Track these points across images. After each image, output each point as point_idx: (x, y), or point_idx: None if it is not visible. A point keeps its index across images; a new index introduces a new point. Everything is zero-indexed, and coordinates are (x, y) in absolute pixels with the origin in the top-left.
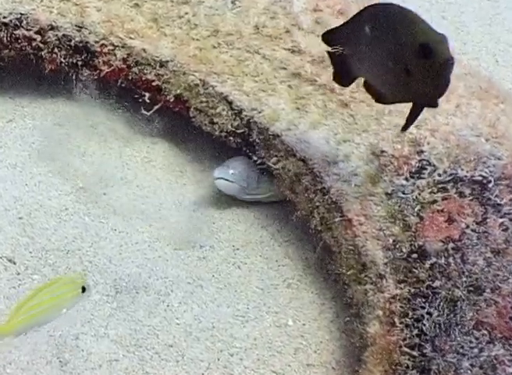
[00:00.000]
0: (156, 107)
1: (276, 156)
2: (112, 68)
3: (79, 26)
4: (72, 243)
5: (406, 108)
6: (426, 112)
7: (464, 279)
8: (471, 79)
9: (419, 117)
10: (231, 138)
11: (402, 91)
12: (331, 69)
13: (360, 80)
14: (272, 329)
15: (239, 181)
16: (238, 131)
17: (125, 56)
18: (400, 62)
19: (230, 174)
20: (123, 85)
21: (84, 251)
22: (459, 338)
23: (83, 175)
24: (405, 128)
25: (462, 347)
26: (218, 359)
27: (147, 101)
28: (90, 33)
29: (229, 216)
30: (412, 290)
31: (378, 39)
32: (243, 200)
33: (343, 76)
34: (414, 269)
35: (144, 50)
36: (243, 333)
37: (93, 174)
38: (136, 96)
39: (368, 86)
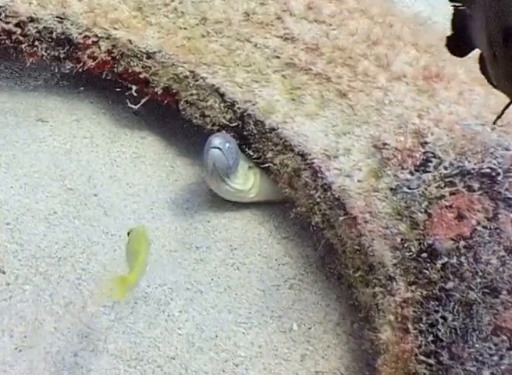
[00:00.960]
0: (144, 100)
1: (273, 150)
2: (97, 60)
3: (60, 18)
4: (63, 249)
5: (406, 97)
6: (428, 100)
7: (479, 280)
8: (469, 62)
9: (420, 105)
10: (223, 132)
11: (492, 77)
12: (326, 58)
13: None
14: (277, 335)
15: (229, 158)
16: (231, 124)
17: (109, 48)
18: (492, 42)
19: (227, 147)
20: (108, 78)
21: (77, 257)
22: (477, 345)
23: (71, 175)
24: (495, 120)
25: (481, 354)
26: (223, 371)
27: (134, 94)
28: (72, 25)
29: (225, 213)
30: (424, 292)
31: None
32: (219, 191)
33: (459, 42)
34: (425, 270)
35: (130, 41)
36: (247, 340)
37: (81, 174)
38: (122, 89)
39: (481, 62)
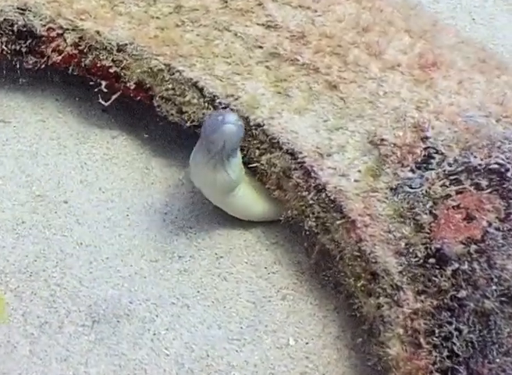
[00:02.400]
0: (114, 96)
1: (259, 149)
2: (62, 54)
3: (21, 9)
4: (34, 263)
5: (403, 88)
6: (426, 91)
7: (494, 287)
8: (466, 48)
9: (418, 96)
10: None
11: None
12: (312, 46)
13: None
14: (273, 351)
15: (239, 137)
16: None
17: (76, 40)
18: None
19: (239, 125)
20: (75, 73)
21: (50, 271)
22: (498, 360)
23: (38, 180)
24: None
25: (503, 370)
26: None
27: (104, 90)
28: (34, 17)
29: (207, 217)
30: (435, 302)
31: None
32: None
33: None
34: (434, 278)
35: (98, 32)
36: (241, 359)
37: (49, 179)
38: (90, 85)
39: None
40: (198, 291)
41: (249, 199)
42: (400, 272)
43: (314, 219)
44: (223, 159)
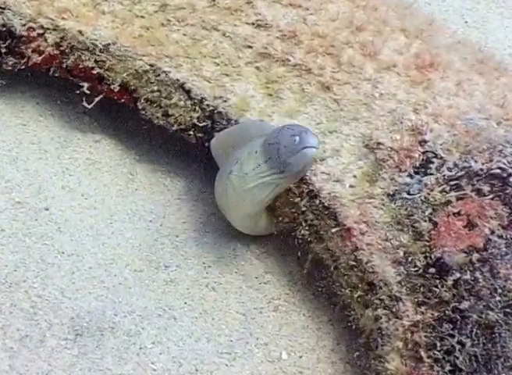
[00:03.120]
0: (97, 99)
1: None
2: (43, 55)
3: (1, 8)
4: (14, 273)
5: (399, 90)
6: (423, 92)
7: (498, 298)
8: (463, 49)
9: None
10: (191, 133)
11: None
12: (304, 46)
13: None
14: (265, 365)
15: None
16: (199, 124)
17: (57, 40)
18: None
19: (317, 143)
20: (57, 75)
21: (30, 282)
22: None
23: (18, 186)
24: None
25: None
26: None
27: (87, 92)
28: (14, 15)
29: (194, 225)
30: (436, 314)
31: None
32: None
33: None
34: (435, 288)
35: (80, 32)
36: (232, 374)
37: (29, 184)
38: (72, 87)
39: None
40: (185, 302)
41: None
42: (399, 282)
43: (306, 227)
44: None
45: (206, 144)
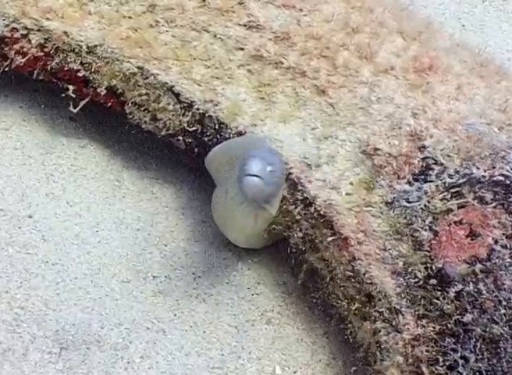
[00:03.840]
0: (83, 103)
1: None
2: (27, 57)
3: None
4: None
5: (397, 94)
6: (422, 97)
7: (503, 311)
8: (462, 52)
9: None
10: (179, 138)
11: None
12: (298, 48)
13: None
14: None
15: (271, 183)
16: (189, 129)
17: (42, 42)
18: None
19: (268, 172)
20: (41, 77)
21: (13, 293)
22: None
23: (1, 193)
24: None
25: None
26: None
27: (72, 95)
28: None
29: (183, 234)
30: (438, 327)
31: None
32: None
33: None
34: (436, 300)
35: (66, 33)
36: None
37: (12, 191)
38: (57, 90)
39: None
40: (175, 315)
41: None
42: (399, 294)
43: (301, 236)
44: (261, 206)
45: (196, 151)
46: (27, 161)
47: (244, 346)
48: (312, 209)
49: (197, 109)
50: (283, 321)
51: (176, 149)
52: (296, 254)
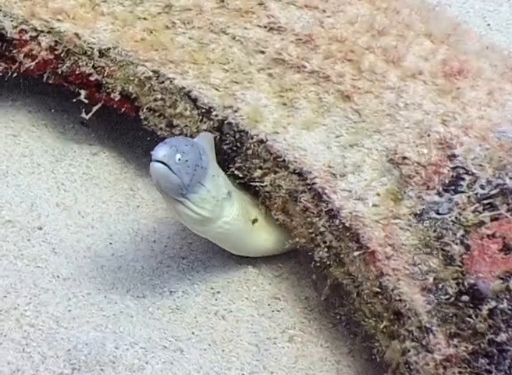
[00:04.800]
0: (95, 108)
1: (261, 168)
2: (36, 60)
3: None
4: (3, 299)
5: (425, 100)
6: (451, 102)
7: None
8: (492, 54)
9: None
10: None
11: None
12: (322, 52)
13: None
14: None
15: (183, 174)
16: None
17: (52, 44)
18: None
19: (176, 160)
20: (51, 81)
21: (22, 309)
22: None
23: (9, 203)
24: None
25: None
26: None
27: (84, 100)
28: (4, 17)
29: (201, 246)
30: (470, 347)
31: None
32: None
33: None
34: (469, 318)
35: (77, 35)
36: None
37: (21, 201)
38: (68, 94)
39: None
40: (193, 333)
41: (263, 236)
42: (429, 311)
43: (325, 249)
44: (174, 197)
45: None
46: (36, 169)
47: (266, 365)
48: (337, 221)
49: (216, 116)
50: (306, 339)
51: None
52: (320, 268)
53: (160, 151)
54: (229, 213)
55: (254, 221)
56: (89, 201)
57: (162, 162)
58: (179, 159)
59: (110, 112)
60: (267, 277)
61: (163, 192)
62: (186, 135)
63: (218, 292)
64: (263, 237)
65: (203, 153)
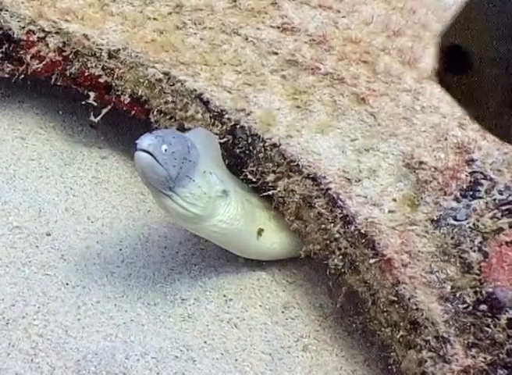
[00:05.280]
0: (105, 111)
1: (275, 173)
2: (44, 61)
3: None
4: (11, 308)
5: (442, 102)
6: None
7: None
8: None
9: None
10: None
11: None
12: (336, 53)
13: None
14: None
15: (169, 165)
16: (220, 140)
17: (60, 45)
18: None
19: (162, 151)
20: (59, 83)
21: (30, 318)
22: None
23: (17, 209)
24: None
25: None
26: None
27: (93, 103)
28: (12, 17)
29: (213, 252)
30: (489, 358)
31: None
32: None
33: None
34: (487, 328)
35: (86, 36)
36: None
37: (29, 207)
38: (77, 97)
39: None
40: (205, 342)
41: (271, 239)
42: (446, 321)
43: (340, 256)
44: (163, 192)
45: (226, 163)
46: (45, 173)
47: None
48: (352, 228)
49: (228, 119)
50: (320, 347)
51: None
52: (335, 275)
53: (145, 141)
54: (224, 212)
55: (260, 231)
56: (98, 206)
57: (148, 152)
58: (166, 150)
59: (119, 114)
60: (280, 284)
61: (150, 185)
62: None
63: (231, 299)
64: (271, 241)
65: (191, 146)
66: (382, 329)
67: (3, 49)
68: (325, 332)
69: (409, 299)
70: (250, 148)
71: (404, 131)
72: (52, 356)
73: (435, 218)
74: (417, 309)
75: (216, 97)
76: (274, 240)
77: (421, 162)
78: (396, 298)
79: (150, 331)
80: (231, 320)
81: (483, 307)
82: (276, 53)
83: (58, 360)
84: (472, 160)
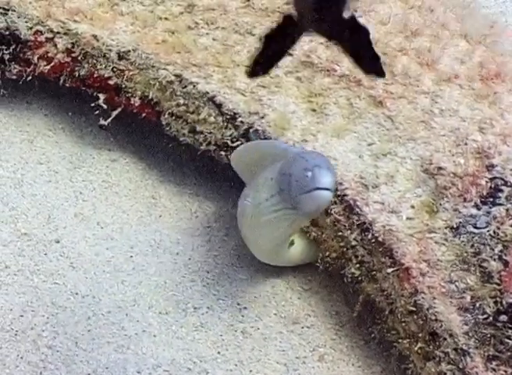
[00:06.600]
0: (115, 113)
1: None
2: (52, 62)
3: (4, 9)
4: (20, 319)
5: (462, 105)
6: (489, 108)
7: None
8: None
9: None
10: (222, 153)
11: None
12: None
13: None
14: None
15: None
16: (232, 144)
17: (69, 46)
18: None
19: (332, 182)
20: (68, 84)
21: (39, 330)
22: None
23: (25, 214)
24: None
25: None
26: None
27: (103, 105)
28: (19, 18)
29: (227, 258)
30: (509, 370)
31: None
32: None
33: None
34: (507, 340)
35: (95, 37)
36: None
37: (37, 213)
38: (86, 98)
39: None
40: (218, 352)
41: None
42: (466, 332)
43: (357, 265)
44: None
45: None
46: (53, 177)
47: None
48: (370, 235)
49: (242, 122)
50: (337, 357)
51: (218, 163)
52: (352, 283)
53: (326, 178)
54: None
55: (292, 241)
56: (108, 210)
57: (328, 190)
58: (333, 180)
59: (130, 116)
60: (296, 291)
61: (309, 215)
62: (209, 143)
63: (245, 308)
64: (297, 249)
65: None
66: (400, 340)
67: (11, 50)
68: (342, 341)
69: (427, 309)
70: None
71: (423, 135)
72: (62, 369)
73: (455, 225)
74: (436, 320)
75: (229, 99)
76: (299, 247)
77: (439, 168)
78: (414, 308)
79: (162, 342)
80: (245, 330)
81: (503, 318)
82: (291, 54)
83: (67, 373)
84: (492, 166)
